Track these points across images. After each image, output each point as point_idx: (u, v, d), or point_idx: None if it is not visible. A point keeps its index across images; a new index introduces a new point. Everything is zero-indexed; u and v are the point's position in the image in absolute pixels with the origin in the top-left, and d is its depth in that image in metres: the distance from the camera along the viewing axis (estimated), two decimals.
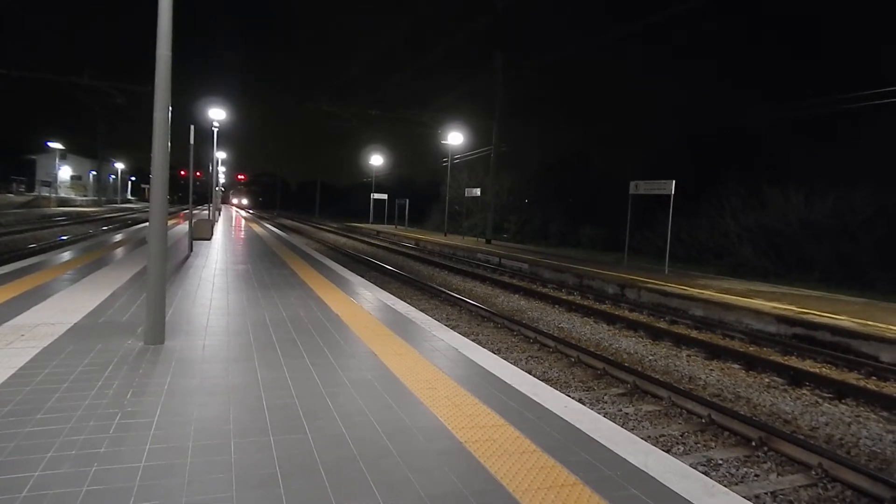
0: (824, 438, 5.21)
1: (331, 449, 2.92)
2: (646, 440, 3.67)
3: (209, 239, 16.71)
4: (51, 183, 59.74)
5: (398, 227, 42.41)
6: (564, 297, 12.49)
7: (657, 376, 6.67)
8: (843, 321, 9.01)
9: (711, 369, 7.31)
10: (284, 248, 15.50)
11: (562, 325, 9.85)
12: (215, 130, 22.81)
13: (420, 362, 4.65)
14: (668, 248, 16.62)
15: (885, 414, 5.81)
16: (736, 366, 7.46)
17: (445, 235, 32.85)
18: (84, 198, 64.43)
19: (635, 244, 21.45)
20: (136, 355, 4.43)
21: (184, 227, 20.57)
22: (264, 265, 11.10)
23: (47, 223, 29.45)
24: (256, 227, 27.55)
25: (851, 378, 7.03)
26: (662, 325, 9.94)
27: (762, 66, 44.03)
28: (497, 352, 7.52)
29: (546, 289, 14.02)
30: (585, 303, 11.90)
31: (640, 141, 42.32)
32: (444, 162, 35.98)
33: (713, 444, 4.93)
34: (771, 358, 7.70)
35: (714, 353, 7.98)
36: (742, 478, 4.30)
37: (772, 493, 4.07)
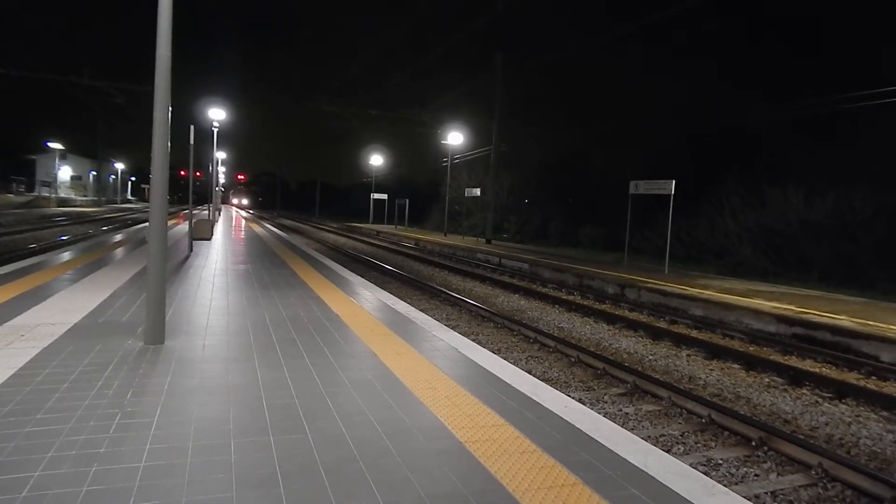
0: (824, 438, 5.21)
1: (331, 449, 2.92)
2: (646, 440, 3.67)
3: (209, 239, 16.71)
4: (51, 183, 59.70)
5: (398, 227, 42.41)
6: (564, 297, 12.50)
7: (657, 376, 6.67)
8: (843, 321, 9.01)
9: (711, 369, 7.31)
10: (284, 248, 15.50)
11: (562, 324, 9.85)
12: (215, 130, 22.82)
13: (420, 362, 4.65)
14: (668, 247, 16.61)
15: (885, 414, 5.81)
16: (736, 365, 7.46)
17: (445, 235, 32.83)
18: (84, 198, 64.43)
19: (635, 244, 21.46)
20: (136, 355, 4.43)
21: (184, 227, 20.57)
22: (264, 265, 11.10)
23: (47, 223, 29.44)
24: (256, 227, 27.55)
25: (851, 378, 7.03)
26: (662, 324, 9.94)
27: (762, 66, 44.12)
28: (497, 352, 7.52)
29: (546, 289, 14.02)
30: (585, 303, 11.90)
31: (640, 141, 42.42)
32: (444, 162, 35.98)
33: (713, 444, 4.93)
34: (771, 358, 7.70)
35: (714, 352, 7.98)
36: (742, 477, 4.30)
37: (772, 492, 4.07)
